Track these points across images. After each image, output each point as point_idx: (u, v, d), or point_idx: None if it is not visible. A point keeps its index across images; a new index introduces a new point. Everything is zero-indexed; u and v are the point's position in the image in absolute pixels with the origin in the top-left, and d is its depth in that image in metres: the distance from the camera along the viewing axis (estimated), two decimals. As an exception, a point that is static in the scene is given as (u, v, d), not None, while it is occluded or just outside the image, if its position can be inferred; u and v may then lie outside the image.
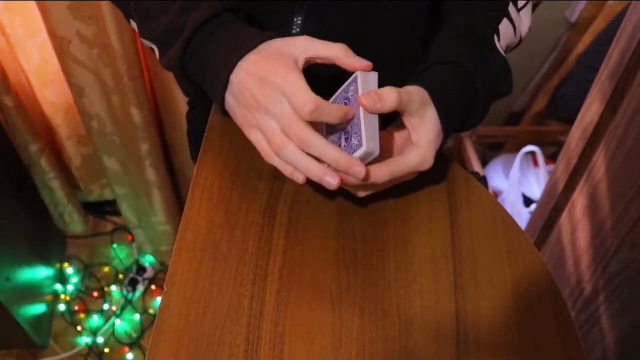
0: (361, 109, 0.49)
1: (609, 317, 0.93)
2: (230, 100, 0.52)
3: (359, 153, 0.49)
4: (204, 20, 0.52)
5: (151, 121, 1.31)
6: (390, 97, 0.49)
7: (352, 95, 0.51)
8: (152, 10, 0.56)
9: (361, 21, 0.63)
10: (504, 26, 0.60)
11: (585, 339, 1.00)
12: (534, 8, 0.67)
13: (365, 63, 0.49)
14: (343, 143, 0.51)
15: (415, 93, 0.51)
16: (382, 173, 0.50)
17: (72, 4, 1.06)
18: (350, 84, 0.51)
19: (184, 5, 0.54)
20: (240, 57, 0.50)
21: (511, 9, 0.61)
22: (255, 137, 0.52)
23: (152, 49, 0.58)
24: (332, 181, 0.48)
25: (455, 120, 0.55)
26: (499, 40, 0.59)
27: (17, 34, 1.24)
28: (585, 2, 1.47)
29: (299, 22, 0.62)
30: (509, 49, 0.63)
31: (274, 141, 0.49)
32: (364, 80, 0.50)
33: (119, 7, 0.62)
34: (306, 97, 0.47)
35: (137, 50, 1.17)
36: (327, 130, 0.54)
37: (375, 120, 0.49)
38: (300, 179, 0.50)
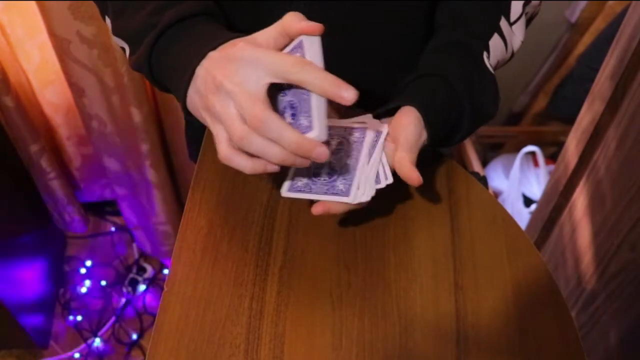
0: (363, 164, 0.52)
1: (609, 317, 0.93)
2: (192, 95, 0.49)
3: (342, 199, 0.50)
4: (176, 19, 0.51)
5: (151, 121, 1.31)
6: (414, 164, 0.51)
7: (354, 141, 0.53)
8: (128, 8, 0.54)
9: (358, 20, 0.63)
10: (494, 42, 0.60)
11: (585, 339, 1.00)
12: (531, 19, 0.66)
13: (311, 25, 0.45)
14: (289, 118, 0.46)
15: (412, 133, 0.52)
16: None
17: (72, 4, 1.06)
18: (294, 48, 0.47)
19: (160, 5, 0.52)
20: (208, 50, 0.48)
21: (502, 23, 0.60)
22: (217, 132, 0.47)
23: (123, 49, 0.57)
24: (301, 164, 0.45)
25: (439, 131, 0.55)
26: (488, 57, 0.59)
27: (17, 34, 1.24)
28: (585, 2, 1.47)
29: None
30: (499, 64, 0.63)
31: (233, 129, 0.44)
32: (310, 46, 0.45)
33: (96, 3, 0.61)
34: (287, 59, 0.44)
35: (137, 50, 1.17)
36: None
37: (324, 103, 0.45)
38: (270, 168, 0.47)
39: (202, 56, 0.47)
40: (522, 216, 1.51)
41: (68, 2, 1.06)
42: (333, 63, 0.67)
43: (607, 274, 0.92)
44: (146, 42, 0.51)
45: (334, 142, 0.54)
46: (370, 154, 0.52)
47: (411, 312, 0.51)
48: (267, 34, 0.46)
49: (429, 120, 0.53)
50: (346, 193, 0.50)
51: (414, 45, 0.67)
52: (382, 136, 0.53)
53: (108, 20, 0.58)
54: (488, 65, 0.58)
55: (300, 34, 0.45)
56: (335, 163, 0.53)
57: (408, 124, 0.52)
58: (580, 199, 1.01)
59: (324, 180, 0.52)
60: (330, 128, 0.51)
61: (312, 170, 0.52)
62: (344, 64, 0.67)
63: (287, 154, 0.44)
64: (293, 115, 0.46)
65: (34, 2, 1.09)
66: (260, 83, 0.44)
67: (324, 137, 0.45)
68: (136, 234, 1.62)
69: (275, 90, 0.46)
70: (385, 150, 0.53)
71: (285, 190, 0.52)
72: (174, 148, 1.46)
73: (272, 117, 0.43)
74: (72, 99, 1.29)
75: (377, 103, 0.69)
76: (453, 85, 0.55)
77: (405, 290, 0.52)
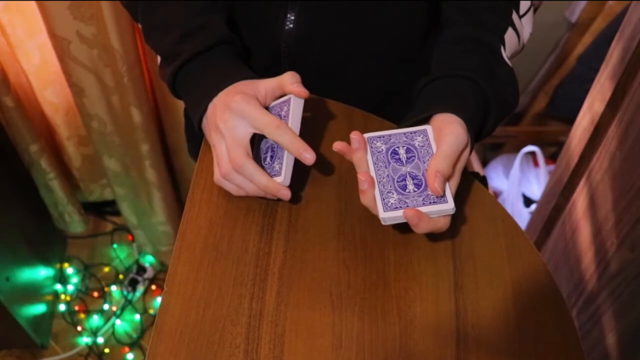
0: (373, 174, 0.52)
1: (609, 317, 0.93)
2: (204, 122, 0.58)
3: (443, 207, 0.50)
4: (197, 51, 0.57)
5: (151, 121, 1.31)
6: (449, 171, 0.51)
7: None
8: (154, 27, 0.61)
9: (354, 18, 0.63)
10: (509, 35, 0.60)
11: (585, 339, 1.00)
12: (534, 11, 0.66)
13: (300, 90, 0.54)
14: (268, 159, 0.56)
15: (461, 142, 0.52)
16: (429, 223, 0.51)
17: (72, 4, 1.06)
18: (284, 102, 0.56)
19: (183, 34, 0.59)
20: (217, 92, 0.56)
21: (514, 16, 0.61)
22: (215, 158, 0.57)
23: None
24: (272, 197, 0.56)
25: (474, 132, 0.55)
26: (504, 50, 0.59)
27: (17, 34, 1.24)
28: (585, 2, 1.47)
29: (292, 18, 0.62)
30: (512, 56, 0.63)
31: (220, 164, 0.55)
32: (295, 105, 0.55)
33: (126, 8, 0.67)
34: (265, 118, 0.53)
35: (137, 50, 1.17)
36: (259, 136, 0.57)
37: (293, 157, 0.54)
38: (253, 195, 0.56)
39: (214, 95, 0.56)
40: (522, 216, 1.51)
41: (68, 2, 1.06)
42: (332, 62, 0.67)
43: (607, 274, 0.92)
44: (170, 70, 0.59)
45: (401, 151, 0.53)
46: None
47: (411, 312, 0.51)
48: (268, 84, 0.56)
49: (471, 125, 0.53)
50: (445, 200, 0.50)
51: (412, 42, 0.67)
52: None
53: (141, 27, 0.64)
54: (506, 59, 0.59)
55: (291, 93, 0.55)
56: (415, 171, 0.52)
57: (448, 134, 0.52)
58: (580, 199, 1.01)
59: (415, 191, 0.51)
60: (390, 137, 0.54)
61: (397, 183, 0.52)
62: (338, 62, 0.67)
63: (259, 190, 0.55)
64: (272, 157, 0.56)
65: (34, 2, 1.09)
66: (245, 132, 0.54)
67: (287, 183, 0.54)
68: (136, 234, 1.62)
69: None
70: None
71: (382, 212, 0.50)
72: (174, 148, 1.46)
73: (247, 163, 0.53)
74: (72, 99, 1.29)
75: (372, 98, 0.69)
76: (479, 83, 0.55)
77: (405, 290, 0.52)
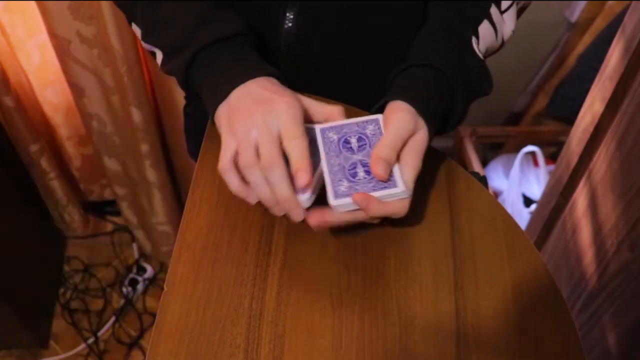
0: (325, 164, 0.52)
1: (609, 317, 0.93)
2: (222, 109, 0.53)
3: (393, 191, 0.50)
4: (218, 38, 0.55)
5: (151, 121, 1.31)
6: (393, 158, 0.50)
7: (371, 134, 0.53)
8: (161, 20, 0.58)
9: (353, 18, 0.63)
10: (484, 28, 0.60)
11: (585, 339, 1.00)
12: (522, 10, 0.66)
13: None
14: (361, 175, 0.52)
15: (406, 127, 0.51)
16: (380, 205, 0.50)
17: (72, 4, 1.06)
18: (368, 122, 0.54)
19: (196, 22, 0.56)
20: (250, 78, 0.53)
21: (493, 10, 0.61)
22: (226, 144, 0.51)
23: (153, 53, 0.60)
24: (279, 212, 0.52)
25: (435, 124, 0.55)
26: (477, 42, 0.59)
27: (17, 34, 1.24)
28: (585, 2, 1.47)
29: (291, 17, 0.62)
30: (489, 51, 0.63)
31: (244, 155, 0.50)
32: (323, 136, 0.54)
33: (121, 8, 0.63)
34: (297, 129, 0.50)
35: (137, 51, 1.17)
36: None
37: (321, 181, 0.52)
38: (250, 199, 0.53)
39: (244, 79, 0.53)
40: (522, 216, 1.51)
41: (68, 2, 1.06)
42: (331, 62, 0.67)
43: (607, 274, 0.92)
44: (183, 59, 0.55)
45: (353, 140, 0.53)
46: None
47: (411, 312, 0.51)
48: (314, 107, 0.55)
49: (424, 111, 0.53)
50: (395, 184, 0.50)
51: (411, 42, 0.67)
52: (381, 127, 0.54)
53: (136, 27, 0.61)
54: (477, 51, 0.58)
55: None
56: (367, 159, 0.52)
57: (393, 120, 0.52)
58: (580, 199, 1.01)
59: (365, 178, 0.51)
60: (343, 127, 0.54)
61: (348, 172, 0.52)
62: (337, 62, 0.67)
63: (273, 200, 0.50)
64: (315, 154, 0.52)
65: (34, 2, 1.09)
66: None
67: (307, 205, 0.51)
68: (136, 234, 1.62)
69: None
70: None
71: (333, 199, 0.50)
72: (174, 148, 1.46)
73: (280, 166, 0.49)
74: (72, 99, 1.29)
75: (371, 98, 0.69)
76: (441, 69, 0.55)
77: (405, 290, 0.52)
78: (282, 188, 0.49)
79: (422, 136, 0.52)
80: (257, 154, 0.50)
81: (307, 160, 0.49)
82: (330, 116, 0.54)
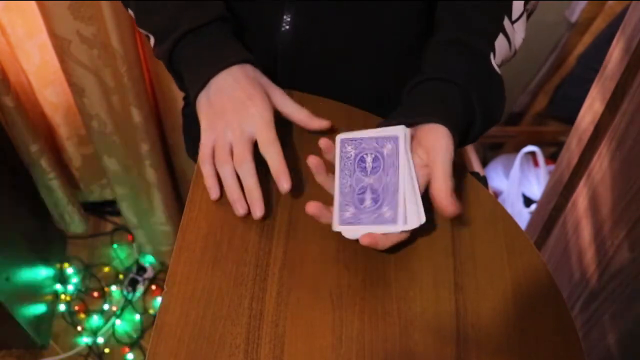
0: (402, 179, 0.51)
1: (609, 317, 0.93)
2: (202, 99, 0.58)
3: (390, 228, 0.51)
4: (197, 25, 0.57)
5: (151, 121, 1.31)
6: (451, 185, 0.51)
7: (387, 155, 0.52)
8: (147, 11, 0.61)
9: (350, 19, 0.63)
10: (499, 42, 0.59)
11: (585, 339, 1.00)
12: (528, 16, 0.66)
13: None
14: (368, 202, 0.52)
15: (445, 153, 0.52)
16: (386, 240, 0.52)
17: (72, 4, 1.06)
18: (387, 139, 0.53)
19: (180, 5, 0.58)
20: (226, 65, 0.56)
21: (506, 22, 0.60)
22: (206, 139, 0.57)
23: (148, 37, 0.62)
24: (239, 209, 0.55)
25: (457, 140, 0.55)
26: (494, 57, 0.59)
27: (17, 34, 1.24)
28: (585, 2, 1.47)
29: (288, 19, 0.62)
30: (503, 63, 0.62)
31: (219, 152, 0.55)
32: (405, 140, 0.52)
33: None
34: (270, 134, 0.55)
35: (137, 50, 1.17)
36: (345, 170, 0.54)
37: (415, 195, 0.51)
38: (213, 196, 0.57)
39: (223, 67, 0.56)
40: (522, 216, 1.51)
41: (68, 2, 1.06)
42: (328, 63, 0.67)
43: (607, 274, 0.92)
44: (167, 43, 0.58)
45: (369, 159, 0.53)
46: (408, 168, 0.52)
47: (411, 312, 0.51)
48: (279, 100, 0.59)
49: (456, 135, 0.54)
50: (394, 220, 0.50)
51: (409, 44, 0.67)
52: (408, 149, 0.53)
53: (131, 12, 0.63)
54: (495, 67, 0.58)
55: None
56: (376, 185, 0.52)
57: (441, 148, 0.52)
58: (580, 199, 1.01)
59: (371, 207, 0.52)
60: (362, 141, 0.54)
61: (356, 196, 0.52)
62: (335, 63, 0.67)
63: (236, 193, 0.55)
64: (375, 200, 0.52)
65: (34, 2, 1.09)
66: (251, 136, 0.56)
67: (409, 228, 0.51)
68: (136, 234, 1.62)
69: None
70: (419, 178, 0.52)
71: (337, 224, 0.52)
72: (174, 148, 1.46)
73: (249, 162, 0.54)
74: (72, 99, 1.29)
75: (369, 99, 0.69)
76: (468, 92, 0.55)
77: (405, 290, 0.52)
78: (249, 179, 0.54)
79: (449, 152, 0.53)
80: (231, 152, 0.55)
81: (283, 165, 0.54)
82: (304, 125, 0.59)
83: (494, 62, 0.59)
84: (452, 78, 0.56)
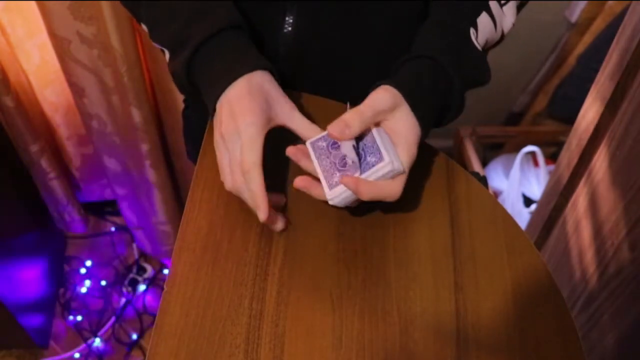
0: (377, 132, 0.52)
1: (609, 317, 0.93)
2: (215, 117, 0.56)
3: (381, 166, 0.51)
4: (207, 36, 0.55)
5: (151, 121, 1.31)
6: (354, 122, 0.50)
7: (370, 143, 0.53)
8: (160, 18, 0.59)
9: (352, 20, 0.63)
10: (482, 20, 0.60)
11: (585, 339, 1.00)
12: (522, 6, 0.66)
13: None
14: (350, 162, 0.52)
15: (381, 100, 0.52)
16: (370, 187, 0.51)
17: (72, 4, 1.06)
18: (367, 137, 0.54)
19: (190, 17, 0.56)
20: (234, 78, 0.54)
21: (492, 3, 0.61)
22: (222, 162, 0.55)
23: (163, 51, 0.61)
24: (260, 214, 0.52)
25: (431, 114, 0.55)
26: (476, 34, 0.59)
27: (17, 34, 1.24)
28: (585, 2, 1.47)
29: (290, 21, 0.62)
30: (489, 44, 0.63)
31: (222, 172, 0.54)
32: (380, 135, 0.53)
33: (128, 9, 0.64)
34: (248, 157, 0.51)
35: (137, 50, 1.17)
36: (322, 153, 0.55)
37: (387, 138, 0.52)
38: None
39: (230, 81, 0.54)
40: (522, 216, 1.51)
41: (68, 2, 1.06)
42: (330, 64, 0.67)
43: (607, 274, 0.92)
44: (181, 59, 0.56)
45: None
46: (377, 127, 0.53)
47: (411, 312, 0.51)
48: (284, 115, 0.56)
49: (416, 104, 0.53)
50: (381, 159, 0.51)
51: (408, 44, 0.67)
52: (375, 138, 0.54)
53: (144, 27, 0.62)
54: (474, 41, 0.58)
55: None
56: (354, 149, 0.53)
57: (369, 96, 0.52)
58: (580, 199, 1.01)
59: (355, 164, 0.52)
60: (328, 135, 0.54)
61: (337, 165, 0.53)
62: (337, 62, 0.67)
63: (253, 205, 0.52)
64: (360, 157, 0.53)
65: (34, 2, 1.09)
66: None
67: (400, 167, 0.52)
68: (136, 234, 1.62)
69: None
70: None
71: (328, 191, 0.52)
72: (174, 148, 1.46)
73: (252, 179, 0.51)
74: (72, 99, 1.29)
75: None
76: (435, 58, 0.55)
77: (405, 290, 0.52)
78: (257, 196, 0.51)
79: (402, 116, 0.53)
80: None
81: (261, 195, 0.51)
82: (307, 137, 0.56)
83: (475, 39, 0.59)
84: (421, 52, 0.56)
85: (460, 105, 0.58)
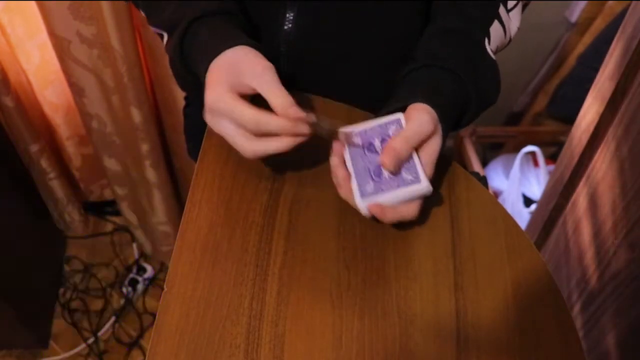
0: (351, 167, 0.53)
1: (609, 317, 0.93)
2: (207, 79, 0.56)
3: (415, 187, 0.51)
4: (196, 16, 0.56)
5: (151, 121, 1.31)
6: (404, 152, 0.52)
7: (394, 135, 0.53)
8: (154, 9, 0.60)
9: (353, 18, 0.63)
10: (495, 28, 0.60)
11: (585, 339, 1.00)
12: (524, 7, 0.67)
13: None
14: (386, 174, 0.52)
15: (426, 126, 0.52)
16: (394, 214, 0.52)
17: (72, 4, 1.06)
18: (390, 123, 0.54)
19: (180, 2, 0.58)
20: (218, 53, 0.54)
21: (501, 10, 0.61)
22: (225, 132, 0.54)
23: (161, 35, 0.61)
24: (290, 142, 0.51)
25: (451, 122, 0.56)
26: (489, 43, 0.60)
27: (17, 34, 1.24)
28: (585, 2, 1.47)
29: (291, 18, 0.63)
30: (498, 50, 0.64)
31: (232, 138, 0.53)
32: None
33: None
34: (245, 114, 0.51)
35: (137, 51, 1.17)
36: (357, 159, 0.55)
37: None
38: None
39: (213, 56, 0.54)
40: (522, 216, 1.51)
41: (68, 2, 1.06)
42: (331, 62, 0.67)
43: (607, 274, 0.92)
44: (174, 39, 0.57)
45: (377, 142, 0.54)
46: None
47: (411, 312, 0.51)
48: (257, 80, 0.52)
49: (444, 118, 0.54)
50: (417, 179, 0.51)
51: (411, 42, 0.67)
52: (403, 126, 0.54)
53: (142, 12, 0.64)
54: (489, 51, 0.59)
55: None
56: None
57: (415, 119, 0.53)
58: (580, 199, 1.01)
59: (390, 177, 0.52)
60: (366, 132, 0.55)
61: (372, 173, 0.53)
62: (337, 62, 0.67)
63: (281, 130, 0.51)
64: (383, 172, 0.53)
65: (34, 2, 1.09)
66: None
67: (429, 190, 0.52)
68: (136, 234, 1.62)
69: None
70: None
71: (359, 198, 0.52)
72: (174, 148, 1.46)
73: (264, 118, 0.50)
74: (72, 99, 1.29)
75: (371, 99, 0.69)
76: (458, 74, 0.56)
77: (405, 290, 0.52)
78: (270, 123, 0.51)
79: (437, 142, 0.54)
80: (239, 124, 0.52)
81: (280, 97, 0.51)
82: (279, 114, 0.51)
83: (489, 47, 0.59)
84: (444, 64, 0.56)
85: (472, 117, 0.59)
